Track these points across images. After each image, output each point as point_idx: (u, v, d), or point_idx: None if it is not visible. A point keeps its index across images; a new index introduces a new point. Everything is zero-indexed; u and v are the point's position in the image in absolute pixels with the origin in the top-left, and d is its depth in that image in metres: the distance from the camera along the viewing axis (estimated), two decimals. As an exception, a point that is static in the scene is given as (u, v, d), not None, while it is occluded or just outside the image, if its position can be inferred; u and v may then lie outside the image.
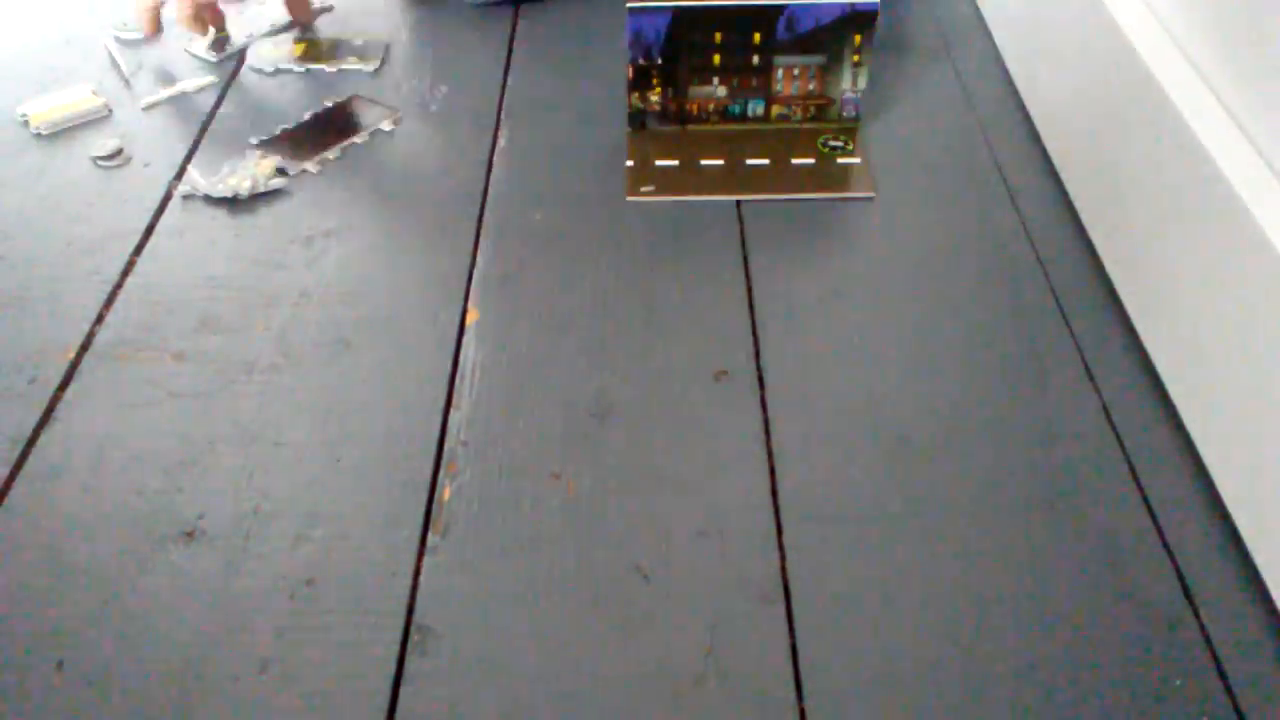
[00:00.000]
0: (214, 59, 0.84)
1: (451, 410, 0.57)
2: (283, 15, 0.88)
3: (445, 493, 0.53)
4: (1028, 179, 0.72)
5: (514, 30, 0.87)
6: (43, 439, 0.56)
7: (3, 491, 0.53)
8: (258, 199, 0.71)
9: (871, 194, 0.70)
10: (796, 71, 0.73)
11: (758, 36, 0.71)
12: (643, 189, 0.70)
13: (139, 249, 0.67)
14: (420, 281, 0.65)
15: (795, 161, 0.73)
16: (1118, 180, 0.63)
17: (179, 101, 0.80)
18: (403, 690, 0.46)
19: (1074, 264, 0.66)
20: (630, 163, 0.73)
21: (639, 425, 0.56)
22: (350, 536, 0.51)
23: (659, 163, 0.73)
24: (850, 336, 0.61)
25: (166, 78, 0.82)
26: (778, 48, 0.72)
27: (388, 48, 0.85)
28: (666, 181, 0.71)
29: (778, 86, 0.74)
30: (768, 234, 0.68)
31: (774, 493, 0.53)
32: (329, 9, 0.89)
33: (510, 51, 0.85)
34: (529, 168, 0.73)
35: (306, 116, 0.77)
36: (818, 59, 0.73)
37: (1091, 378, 0.59)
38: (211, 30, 0.84)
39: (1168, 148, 0.57)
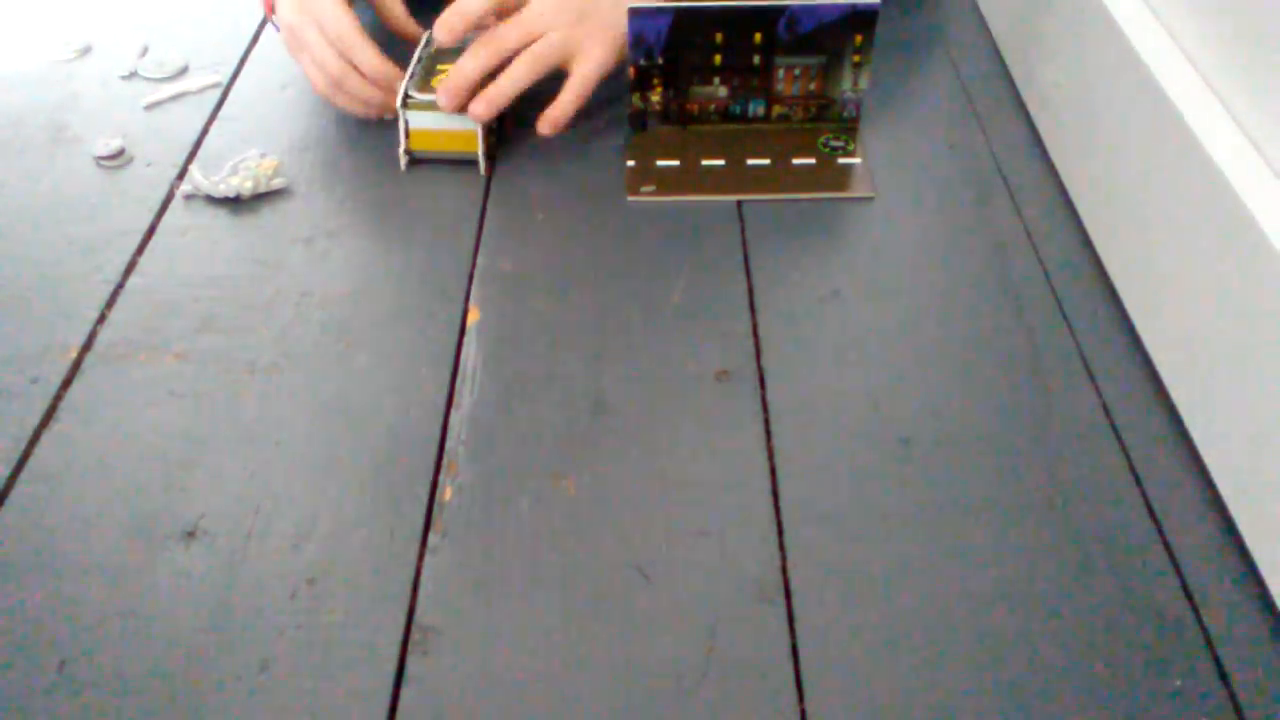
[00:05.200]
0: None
1: (451, 410, 0.57)
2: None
3: (445, 493, 0.53)
4: (1027, 178, 0.72)
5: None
6: (44, 439, 0.56)
7: (3, 491, 0.53)
8: (259, 199, 0.71)
9: (872, 194, 0.70)
10: (798, 71, 0.73)
11: (759, 37, 0.71)
12: (643, 189, 0.70)
13: (141, 249, 0.67)
14: (420, 281, 0.65)
15: (796, 162, 0.73)
16: (1117, 179, 0.63)
17: (181, 101, 0.80)
18: (403, 690, 0.46)
19: (1074, 263, 0.66)
20: (631, 163, 0.73)
21: (639, 425, 0.56)
22: (350, 536, 0.51)
23: (660, 163, 0.73)
24: (851, 336, 0.61)
25: (168, 77, 0.82)
26: (779, 48, 0.72)
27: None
28: (668, 181, 0.71)
29: (779, 86, 0.74)
30: (769, 234, 0.68)
31: (774, 493, 0.53)
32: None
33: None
34: (529, 167, 0.73)
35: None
36: (819, 59, 0.72)
37: (1091, 377, 0.59)
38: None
39: (1167, 147, 0.57)
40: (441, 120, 0.71)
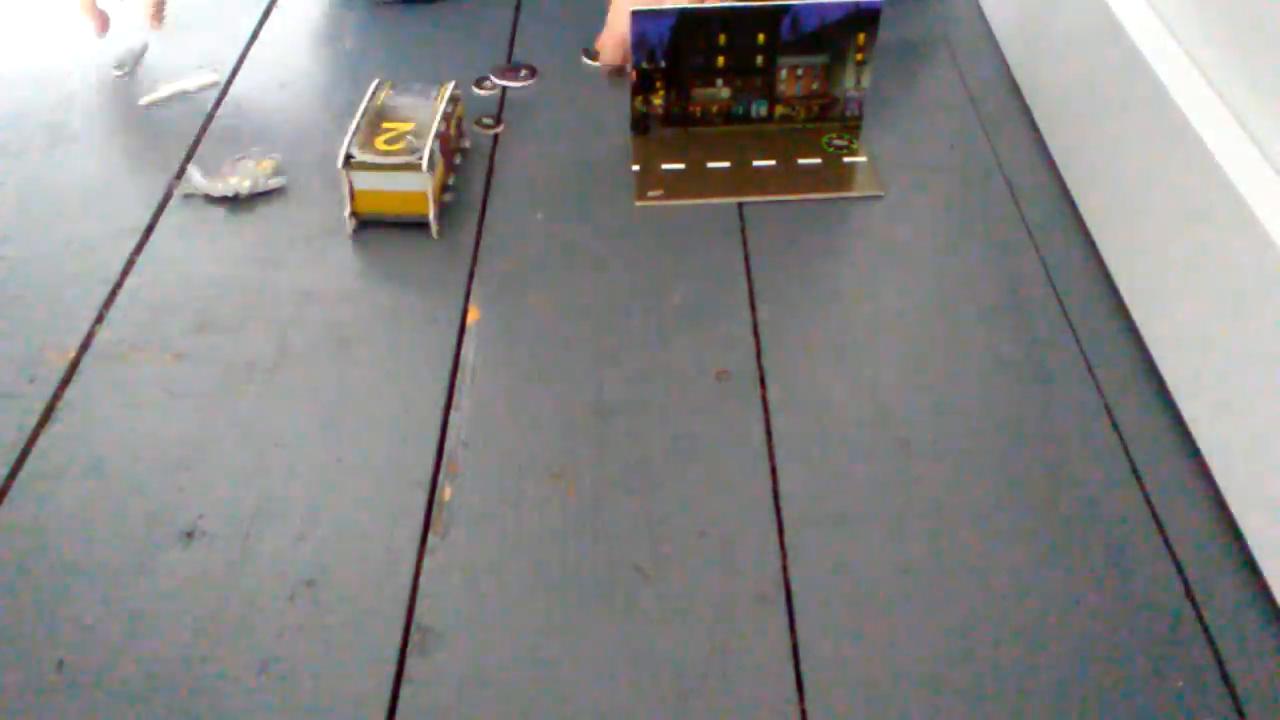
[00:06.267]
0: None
1: (451, 410, 0.57)
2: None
3: (445, 493, 0.53)
4: (1030, 178, 0.72)
5: (514, 30, 0.87)
6: (43, 439, 0.56)
7: (3, 491, 0.53)
8: (258, 198, 0.71)
9: (881, 192, 0.70)
10: (800, 71, 0.73)
11: (762, 37, 0.71)
12: (651, 193, 0.70)
13: (139, 248, 0.67)
14: (420, 281, 0.65)
15: (801, 162, 0.73)
16: (1119, 179, 0.63)
17: (179, 100, 0.80)
18: (403, 690, 0.46)
19: (1076, 263, 0.65)
20: (636, 167, 0.72)
21: (639, 425, 0.56)
22: (350, 536, 0.51)
23: (665, 166, 0.72)
24: (851, 336, 0.61)
25: (167, 76, 0.82)
26: (782, 48, 0.72)
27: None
28: (674, 185, 0.71)
29: (781, 87, 0.74)
30: (769, 234, 0.68)
31: (775, 493, 0.53)
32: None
33: (511, 51, 0.85)
34: (530, 169, 0.73)
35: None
36: (821, 58, 0.72)
37: (1093, 377, 0.59)
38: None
39: (1170, 146, 0.57)
40: (388, 181, 0.65)
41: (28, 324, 0.62)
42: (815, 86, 0.74)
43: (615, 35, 0.73)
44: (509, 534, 0.51)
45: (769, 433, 0.56)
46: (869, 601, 0.49)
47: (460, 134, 0.73)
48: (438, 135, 0.66)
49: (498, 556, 0.50)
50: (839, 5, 0.70)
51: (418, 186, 0.66)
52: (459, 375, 0.59)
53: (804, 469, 0.54)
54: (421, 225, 0.67)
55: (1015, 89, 0.80)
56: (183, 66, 0.83)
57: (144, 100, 0.79)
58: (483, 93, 0.80)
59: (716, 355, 0.60)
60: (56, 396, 0.58)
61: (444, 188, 0.69)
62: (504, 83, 0.81)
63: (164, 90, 0.80)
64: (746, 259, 0.66)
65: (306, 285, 0.64)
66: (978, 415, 0.57)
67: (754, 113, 0.75)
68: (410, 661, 0.47)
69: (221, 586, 0.49)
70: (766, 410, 0.57)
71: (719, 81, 0.73)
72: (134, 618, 0.48)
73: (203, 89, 0.81)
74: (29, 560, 0.50)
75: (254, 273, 0.65)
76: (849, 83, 0.74)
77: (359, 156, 0.65)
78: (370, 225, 0.68)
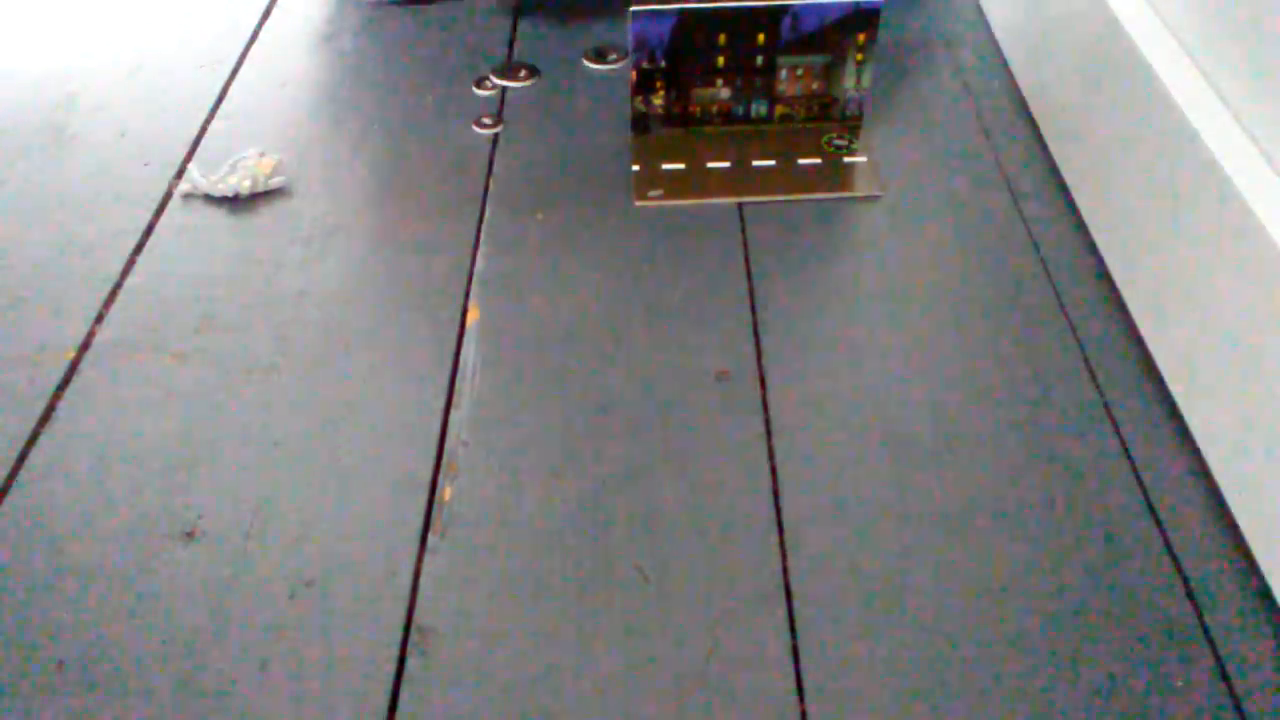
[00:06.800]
0: None
1: (452, 410, 0.57)
2: None
3: (445, 493, 0.53)
4: (1030, 178, 0.72)
5: (514, 30, 0.87)
6: (43, 439, 0.56)
7: (3, 491, 0.53)
8: (258, 198, 0.71)
9: (879, 193, 0.70)
10: (800, 71, 0.73)
11: (762, 37, 0.71)
12: (650, 194, 0.70)
13: (139, 248, 0.67)
14: (420, 281, 0.65)
15: (801, 162, 0.73)
16: (1120, 179, 0.63)
17: (179, 98, 0.80)
18: (403, 690, 0.46)
19: (1076, 263, 0.66)
20: (636, 167, 0.73)
21: (639, 425, 0.56)
22: (350, 536, 0.51)
23: (665, 166, 0.72)
24: (851, 336, 0.61)
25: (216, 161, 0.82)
26: (782, 48, 0.72)
27: None
28: (673, 185, 0.71)
29: (781, 86, 0.74)
30: (769, 234, 0.68)
31: (775, 493, 0.53)
32: None
33: (511, 51, 0.85)
34: (530, 169, 0.73)
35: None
36: (822, 58, 0.72)
37: (1093, 377, 0.59)
38: None
39: (1170, 146, 0.57)
40: None
41: (27, 324, 0.62)
42: (815, 86, 0.74)
43: None
44: (509, 534, 0.51)
45: (769, 433, 0.56)
46: (869, 601, 0.49)
47: None
48: None
49: (498, 556, 0.51)
50: (839, 5, 0.70)
51: None
52: (459, 375, 0.59)
53: (804, 469, 0.54)
54: (422, 229, 0.67)
55: (1015, 89, 0.80)
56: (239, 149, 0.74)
57: (186, 188, 0.71)
58: (483, 93, 0.80)
59: (716, 355, 0.60)
60: (56, 396, 0.58)
61: None
62: (504, 83, 0.81)
63: (218, 183, 0.71)
64: (746, 259, 0.66)
65: (305, 285, 0.64)
66: (977, 415, 0.57)
67: (754, 113, 0.75)
68: (410, 661, 0.47)
69: (221, 586, 0.49)
70: (766, 410, 0.57)
71: (719, 81, 0.73)
72: (134, 618, 0.48)
73: (271, 180, 0.72)
74: (29, 560, 0.50)
75: (254, 273, 0.65)
76: (849, 83, 0.74)
77: None
78: (368, 224, 0.68)
